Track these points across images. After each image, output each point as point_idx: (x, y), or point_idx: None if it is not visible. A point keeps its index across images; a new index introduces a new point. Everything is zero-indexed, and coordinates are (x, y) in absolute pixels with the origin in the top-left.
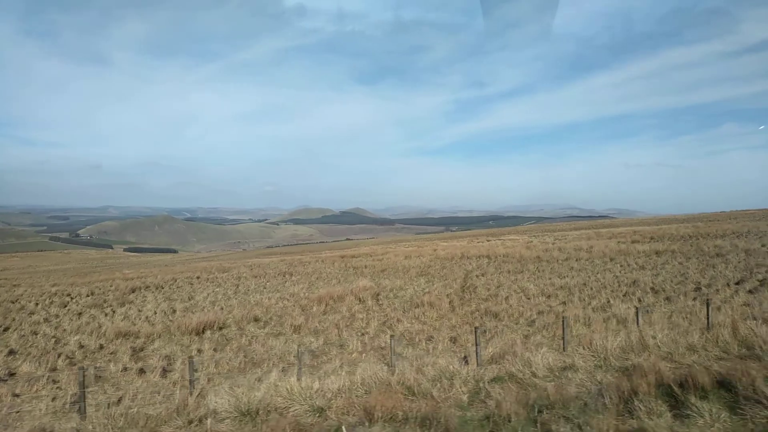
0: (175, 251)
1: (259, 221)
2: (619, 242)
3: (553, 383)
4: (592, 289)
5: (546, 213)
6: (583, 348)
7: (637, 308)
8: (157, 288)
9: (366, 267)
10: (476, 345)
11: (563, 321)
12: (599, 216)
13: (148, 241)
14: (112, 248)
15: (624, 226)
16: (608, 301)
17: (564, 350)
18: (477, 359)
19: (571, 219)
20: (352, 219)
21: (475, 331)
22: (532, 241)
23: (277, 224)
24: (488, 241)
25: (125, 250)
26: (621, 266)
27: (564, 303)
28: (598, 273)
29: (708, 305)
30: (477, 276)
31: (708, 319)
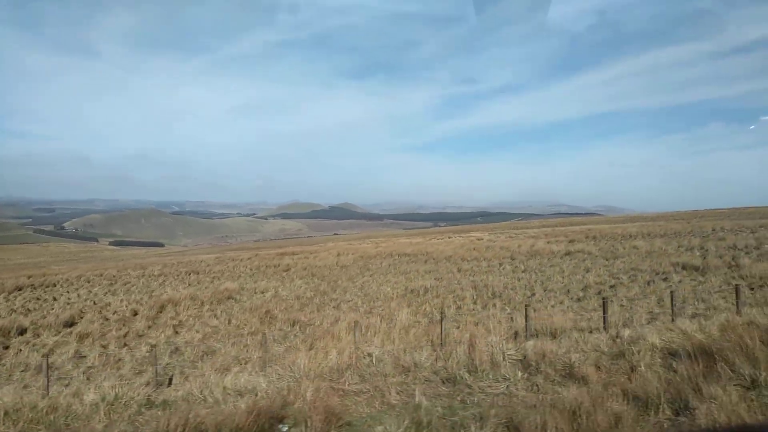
0: (161, 245)
1: (247, 215)
2: (548, 242)
3: None
4: (428, 293)
5: (534, 210)
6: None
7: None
8: (42, 287)
9: (278, 266)
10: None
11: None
12: (585, 213)
13: (135, 235)
14: (97, 241)
15: (585, 224)
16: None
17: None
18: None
19: (557, 216)
20: (341, 214)
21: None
22: (482, 239)
23: (266, 219)
24: (436, 239)
25: (110, 243)
26: (510, 267)
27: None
28: (475, 275)
29: (523, 316)
30: (348, 278)
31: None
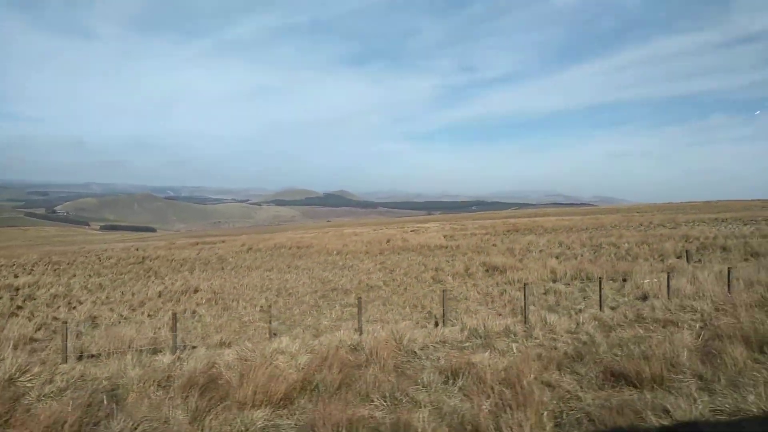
0: (153, 230)
1: (242, 201)
2: (446, 236)
3: None
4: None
5: (530, 200)
6: None
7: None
8: None
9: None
10: None
11: None
12: (580, 204)
13: (128, 219)
14: (88, 225)
15: (551, 215)
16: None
17: None
18: None
19: (552, 206)
20: (335, 201)
21: None
22: (426, 229)
23: (260, 205)
24: (386, 229)
25: (102, 227)
26: (371, 263)
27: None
28: (315, 271)
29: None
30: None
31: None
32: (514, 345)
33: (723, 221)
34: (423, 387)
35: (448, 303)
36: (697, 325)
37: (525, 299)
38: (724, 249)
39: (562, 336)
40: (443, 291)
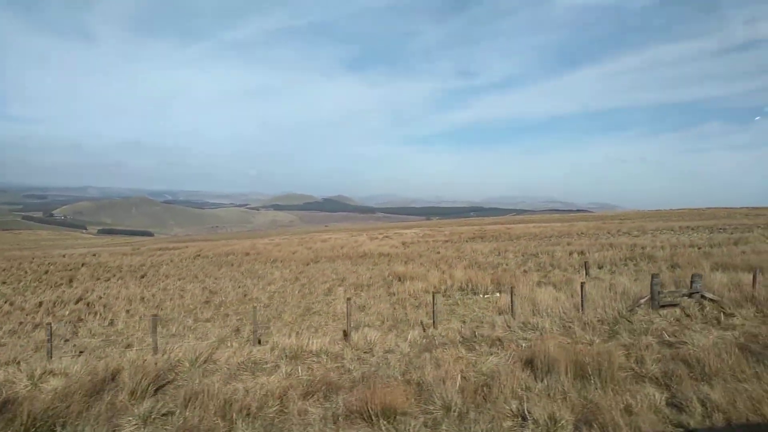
0: (150, 234)
1: (240, 206)
2: (431, 242)
3: None
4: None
5: (527, 206)
6: None
7: None
8: None
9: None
10: None
11: None
12: (576, 210)
13: (125, 223)
14: (85, 229)
15: (535, 222)
16: None
17: None
18: None
19: (549, 212)
20: (333, 206)
21: None
22: (402, 235)
23: (258, 209)
24: (360, 235)
25: (99, 231)
26: (288, 272)
27: None
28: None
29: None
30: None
31: None
32: (315, 365)
33: (693, 229)
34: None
35: (308, 317)
36: (523, 344)
37: (348, 316)
38: (650, 259)
39: (371, 358)
40: (253, 308)
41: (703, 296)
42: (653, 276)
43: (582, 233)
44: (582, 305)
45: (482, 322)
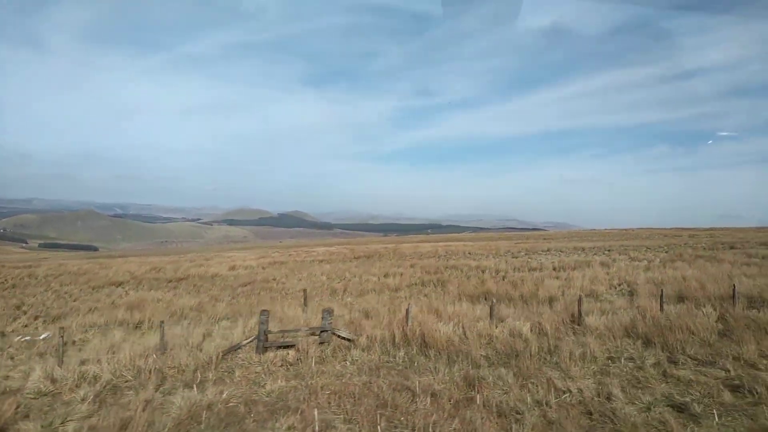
0: (95, 249)
1: (193, 221)
2: (288, 262)
3: None
4: None
5: (484, 224)
6: None
7: None
8: None
9: None
10: None
11: None
12: (532, 228)
13: (69, 237)
14: (26, 243)
15: (463, 240)
16: None
17: None
18: None
19: (504, 230)
20: (290, 222)
21: None
22: (273, 254)
23: (210, 224)
24: (273, 252)
25: (40, 245)
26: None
27: None
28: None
29: None
30: None
31: None
32: None
33: (582, 250)
34: None
35: None
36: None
37: None
38: (442, 284)
39: None
40: None
41: (334, 333)
42: (262, 312)
43: (469, 253)
44: (165, 347)
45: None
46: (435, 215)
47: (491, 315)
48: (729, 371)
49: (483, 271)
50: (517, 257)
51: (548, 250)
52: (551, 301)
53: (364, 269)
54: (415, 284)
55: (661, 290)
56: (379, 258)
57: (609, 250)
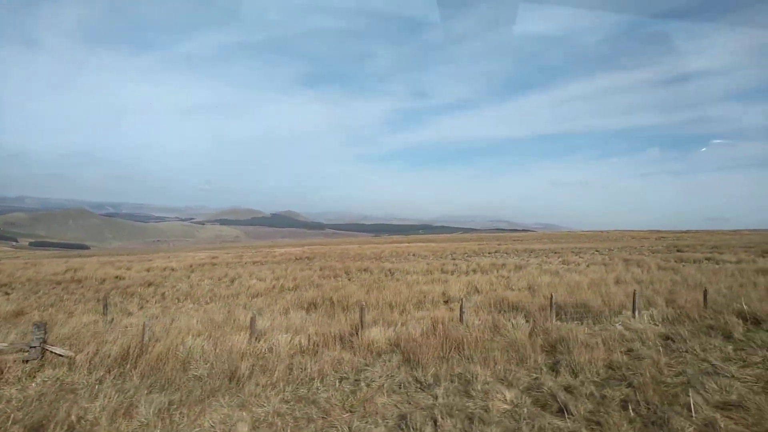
0: (87, 248)
1: (185, 220)
2: (249, 264)
3: None
4: None
5: (475, 225)
6: None
7: None
8: None
9: None
10: None
11: None
12: (522, 230)
13: (60, 236)
14: (16, 241)
15: (448, 241)
16: None
17: None
18: None
19: (493, 231)
20: (282, 222)
21: None
22: (241, 254)
23: (203, 224)
24: (224, 254)
25: (30, 244)
26: None
27: None
28: None
29: None
30: None
31: None
32: None
33: (531, 252)
34: None
35: None
36: None
37: None
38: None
39: None
40: None
41: (47, 350)
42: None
43: (412, 255)
44: None
45: None
46: (428, 216)
47: (251, 327)
48: None
49: (392, 273)
50: (455, 259)
51: (495, 252)
52: (371, 308)
53: (280, 272)
54: (289, 289)
55: (462, 300)
56: (322, 258)
57: (555, 252)
